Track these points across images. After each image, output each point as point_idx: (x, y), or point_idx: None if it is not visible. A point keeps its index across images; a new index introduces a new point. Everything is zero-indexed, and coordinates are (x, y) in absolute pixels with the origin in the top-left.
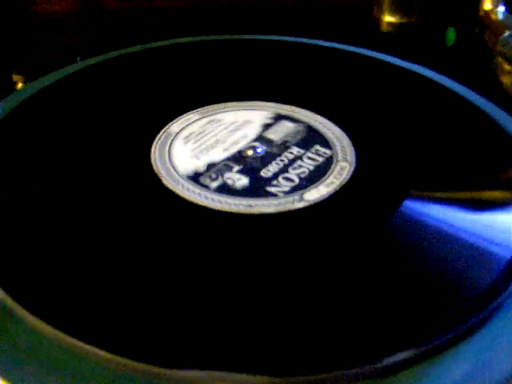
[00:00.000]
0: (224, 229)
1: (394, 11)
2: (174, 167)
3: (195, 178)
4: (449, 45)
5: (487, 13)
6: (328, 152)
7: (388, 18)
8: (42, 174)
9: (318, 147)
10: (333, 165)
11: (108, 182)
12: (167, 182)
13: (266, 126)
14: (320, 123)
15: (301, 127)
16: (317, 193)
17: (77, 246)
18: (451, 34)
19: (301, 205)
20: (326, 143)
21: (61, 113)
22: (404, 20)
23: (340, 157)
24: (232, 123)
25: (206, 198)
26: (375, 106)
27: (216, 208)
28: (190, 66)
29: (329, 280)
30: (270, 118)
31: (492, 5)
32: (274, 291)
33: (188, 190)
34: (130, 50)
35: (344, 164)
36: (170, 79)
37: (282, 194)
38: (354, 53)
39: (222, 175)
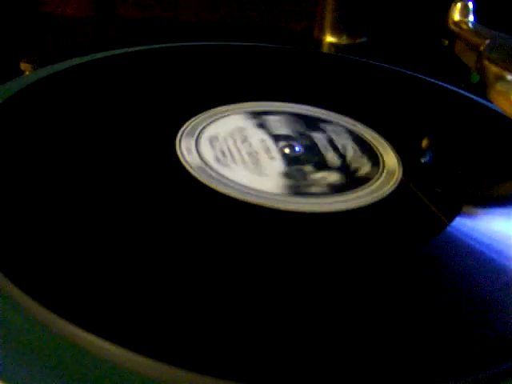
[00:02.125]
0: (253, 222)
1: (338, 32)
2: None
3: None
4: (474, 82)
5: (457, 24)
6: (372, 160)
7: (330, 39)
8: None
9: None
10: (378, 173)
11: (132, 166)
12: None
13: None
14: (353, 126)
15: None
16: (359, 198)
17: (100, 237)
18: None
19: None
20: (372, 153)
21: (89, 97)
22: (349, 41)
23: (386, 166)
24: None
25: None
26: (418, 122)
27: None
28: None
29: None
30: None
31: (461, 16)
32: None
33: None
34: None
35: (389, 174)
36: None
37: (321, 194)
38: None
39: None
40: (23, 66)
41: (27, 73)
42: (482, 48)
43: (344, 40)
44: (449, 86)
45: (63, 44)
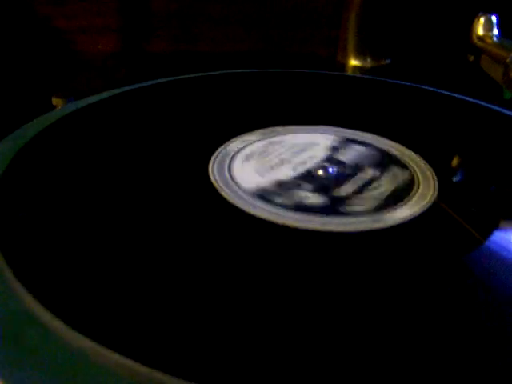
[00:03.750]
0: (297, 246)
1: (361, 55)
2: (236, 184)
3: (261, 194)
4: (507, 98)
5: (481, 38)
6: (407, 174)
7: (354, 63)
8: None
9: (395, 170)
10: (414, 187)
11: (168, 196)
12: (230, 198)
13: (334, 149)
14: (391, 147)
15: (372, 150)
16: (397, 214)
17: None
18: None
19: (379, 225)
20: (402, 166)
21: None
22: (374, 64)
23: (421, 180)
24: (295, 145)
25: (271, 213)
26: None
27: (286, 224)
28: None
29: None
30: (337, 141)
31: (485, 30)
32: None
33: (254, 206)
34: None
35: (425, 187)
36: (228, 104)
37: (359, 213)
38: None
39: (293, 193)
40: (55, 101)
41: (59, 107)
42: (508, 60)
43: (368, 63)
44: (479, 102)
45: (93, 79)
